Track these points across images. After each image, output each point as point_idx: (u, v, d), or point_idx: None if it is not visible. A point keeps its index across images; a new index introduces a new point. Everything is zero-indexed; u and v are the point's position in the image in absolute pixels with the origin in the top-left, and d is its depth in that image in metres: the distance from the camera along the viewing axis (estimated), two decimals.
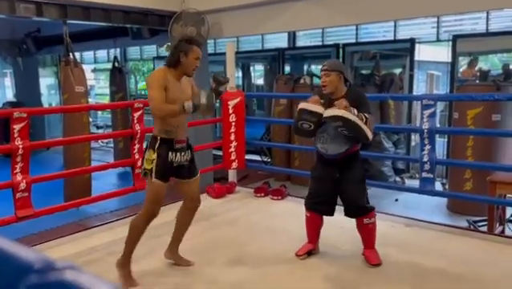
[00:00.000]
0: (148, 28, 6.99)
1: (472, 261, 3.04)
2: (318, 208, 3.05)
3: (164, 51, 10.77)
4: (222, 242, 3.43)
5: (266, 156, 7.64)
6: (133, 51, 12.15)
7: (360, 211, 2.93)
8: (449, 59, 6.43)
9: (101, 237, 3.58)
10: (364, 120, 2.73)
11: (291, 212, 4.20)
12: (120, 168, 6.94)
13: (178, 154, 2.75)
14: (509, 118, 5.18)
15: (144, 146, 2.95)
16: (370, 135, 2.78)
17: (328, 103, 2.86)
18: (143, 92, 13.60)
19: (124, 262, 2.81)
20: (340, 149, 2.82)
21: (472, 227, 4.45)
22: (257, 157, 7.53)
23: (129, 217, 4.02)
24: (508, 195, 4.33)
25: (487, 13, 6.23)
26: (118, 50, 11.37)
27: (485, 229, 4.23)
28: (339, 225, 3.64)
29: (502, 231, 4.27)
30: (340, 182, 2.92)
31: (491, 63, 8.03)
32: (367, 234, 2.98)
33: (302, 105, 2.92)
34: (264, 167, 6.98)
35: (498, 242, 3.47)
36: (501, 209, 4.30)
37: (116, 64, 8.86)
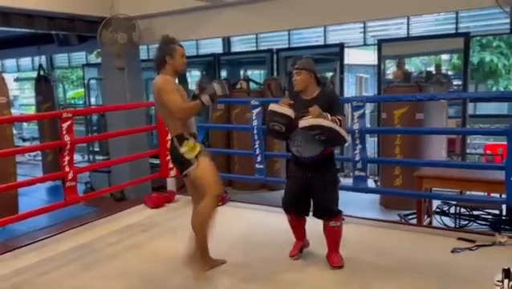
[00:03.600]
0: (75, 34, 6.70)
1: (403, 252, 3.21)
2: (294, 209, 3.06)
3: (94, 58, 10.38)
4: (164, 252, 3.34)
5: None
6: (60, 59, 11.55)
7: (328, 213, 2.96)
8: (376, 62, 6.78)
9: (30, 257, 3.35)
10: (338, 123, 2.77)
11: (233, 217, 4.19)
12: (50, 182, 6.56)
13: (199, 145, 2.88)
14: (431, 116, 5.56)
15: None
16: (347, 137, 2.84)
17: (301, 104, 2.86)
18: (72, 101, 13.00)
19: (204, 253, 2.86)
20: (315, 152, 2.84)
21: (403, 220, 4.71)
22: None
23: (60, 234, 3.84)
24: (434, 188, 4.65)
25: (408, 19, 6.66)
26: (43, 57, 10.77)
27: (414, 221, 4.50)
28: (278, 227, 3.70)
29: (430, 223, 4.56)
30: (313, 183, 2.94)
31: (414, 66, 8.59)
32: (333, 237, 3.01)
33: (271, 107, 2.93)
34: None
35: (427, 232, 3.69)
36: (428, 202, 4.60)
37: (42, 72, 8.39)
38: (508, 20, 5.76)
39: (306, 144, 2.85)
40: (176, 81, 2.91)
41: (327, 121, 2.72)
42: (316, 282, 2.85)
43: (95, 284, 2.91)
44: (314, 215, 3.01)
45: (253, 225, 3.94)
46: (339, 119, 2.79)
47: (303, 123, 2.75)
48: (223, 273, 2.98)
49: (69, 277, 3.00)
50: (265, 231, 3.75)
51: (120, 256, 3.33)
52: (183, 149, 2.78)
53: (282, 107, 2.87)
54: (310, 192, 2.98)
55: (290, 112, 2.84)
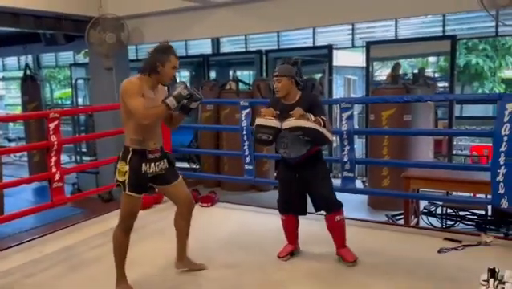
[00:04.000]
0: (63, 34, 6.63)
1: (391, 252, 3.24)
2: (290, 210, 3.11)
3: (81, 58, 10.28)
4: (152, 253, 3.33)
5: (194, 163, 7.56)
6: (47, 58, 11.42)
7: (332, 205, 3.01)
8: (364, 64, 6.83)
9: (17, 258, 3.31)
10: (322, 123, 2.83)
11: (221, 218, 4.19)
12: (36, 182, 6.48)
13: (152, 164, 2.69)
14: (419, 118, 5.62)
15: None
16: (330, 136, 2.90)
17: (284, 110, 2.92)
18: (59, 101, 12.86)
19: (118, 278, 2.73)
20: (301, 151, 2.90)
21: (390, 221, 4.75)
22: (185, 165, 7.43)
23: (47, 235, 3.81)
24: (421, 189, 4.70)
25: (396, 21, 6.73)
26: (30, 56, 10.64)
27: (402, 222, 4.54)
28: (267, 228, 3.71)
29: (417, 223, 4.61)
30: (306, 181, 2.98)
31: (401, 68, 8.64)
32: (339, 232, 3.05)
33: (258, 121, 2.98)
34: (193, 174, 6.89)
35: (414, 233, 3.73)
36: (415, 203, 4.65)
37: (28, 72, 8.30)
38: (494, 23, 5.85)
39: (292, 145, 2.91)
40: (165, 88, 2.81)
41: (308, 122, 2.78)
42: (308, 282, 2.86)
43: (83, 286, 2.88)
44: (318, 209, 3.06)
45: (242, 226, 3.94)
46: (323, 119, 2.84)
47: (285, 124, 2.83)
48: (213, 274, 2.98)
49: (56, 279, 2.97)
50: (254, 232, 3.76)
51: (108, 258, 3.29)
52: (118, 164, 2.66)
53: (267, 120, 2.92)
54: (304, 190, 3.03)
55: (276, 124, 2.90)
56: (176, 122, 2.86)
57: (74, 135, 8.43)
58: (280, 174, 3.19)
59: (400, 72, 6.97)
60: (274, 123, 2.90)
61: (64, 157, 7.90)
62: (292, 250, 3.21)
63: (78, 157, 8.29)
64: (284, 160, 3.06)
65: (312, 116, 2.82)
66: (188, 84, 2.70)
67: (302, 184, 3.00)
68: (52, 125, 3.71)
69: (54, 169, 3.73)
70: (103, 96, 6.22)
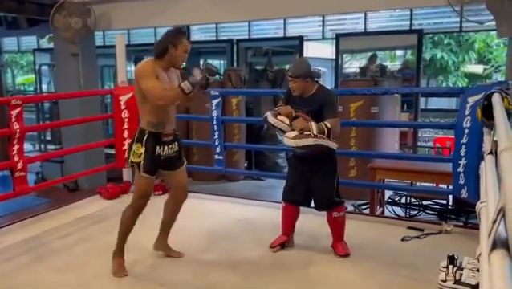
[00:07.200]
0: (25, 17, 6.37)
1: (357, 240, 3.31)
2: (293, 198, 3.08)
3: (45, 43, 9.91)
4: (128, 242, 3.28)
5: None
6: (9, 42, 10.94)
7: (329, 205, 3.01)
8: (334, 56, 6.91)
9: None
10: (326, 132, 2.77)
11: (190, 209, 4.16)
12: None
13: (166, 147, 2.74)
14: (386, 110, 5.75)
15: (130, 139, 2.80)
16: (334, 145, 2.84)
17: (298, 102, 2.91)
18: (22, 88, 12.39)
19: (117, 253, 2.81)
20: (308, 148, 2.82)
21: (357, 210, 4.87)
22: None
23: (9, 225, 3.69)
24: (386, 179, 4.83)
25: (365, 14, 6.82)
26: None
27: (368, 211, 4.66)
28: (237, 218, 3.72)
29: (382, 212, 4.74)
30: (311, 176, 2.96)
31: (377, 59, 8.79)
32: (336, 227, 3.07)
33: (270, 119, 2.93)
34: None
35: (379, 221, 3.84)
36: (381, 193, 4.78)
37: None
38: (458, 19, 6.02)
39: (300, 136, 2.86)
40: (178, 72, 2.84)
41: (306, 139, 2.75)
42: (275, 267, 2.90)
43: (48, 277, 2.82)
44: (316, 208, 3.06)
45: (212, 215, 3.94)
46: (326, 126, 2.78)
47: (287, 141, 2.83)
48: (184, 265, 2.97)
49: (20, 269, 2.89)
50: (224, 223, 3.76)
51: (73, 248, 3.25)
52: (133, 145, 2.69)
53: (279, 122, 2.90)
54: (309, 184, 3.00)
55: (287, 128, 2.88)
56: (192, 99, 2.80)
57: (38, 123, 8.17)
58: (291, 163, 3.18)
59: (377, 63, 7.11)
60: (285, 127, 2.88)
61: (28, 146, 7.65)
62: (284, 242, 3.18)
63: (42, 146, 8.04)
64: (293, 151, 3.03)
65: (314, 126, 2.76)
66: (207, 68, 2.74)
67: (309, 177, 2.98)
68: (14, 112, 3.57)
69: (16, 158, 3.61)
70: (69, 83, 6.05)
